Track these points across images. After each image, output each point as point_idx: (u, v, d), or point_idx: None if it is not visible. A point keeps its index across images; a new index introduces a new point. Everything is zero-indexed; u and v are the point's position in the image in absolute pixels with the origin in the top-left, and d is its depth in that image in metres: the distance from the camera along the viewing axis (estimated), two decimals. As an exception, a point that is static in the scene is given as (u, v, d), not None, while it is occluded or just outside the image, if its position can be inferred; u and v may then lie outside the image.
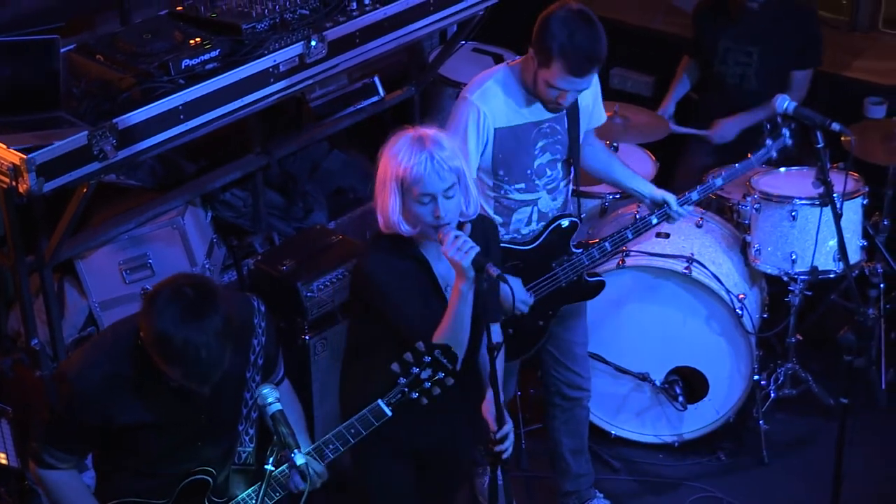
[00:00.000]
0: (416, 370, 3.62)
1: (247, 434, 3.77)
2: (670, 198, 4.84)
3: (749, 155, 5.00)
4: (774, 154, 5.05)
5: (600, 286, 4.92)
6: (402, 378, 3.64)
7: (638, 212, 5.52)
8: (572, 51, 4.33)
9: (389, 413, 3.67)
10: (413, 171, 3.73)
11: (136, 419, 3.56)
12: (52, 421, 3.64)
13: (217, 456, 3.76)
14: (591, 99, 4.74)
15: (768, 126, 5.03)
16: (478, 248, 3.70)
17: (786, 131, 5.00)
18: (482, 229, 3.97)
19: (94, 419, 3.54)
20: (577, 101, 4.63)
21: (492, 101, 4.52)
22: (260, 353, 3.72)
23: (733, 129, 6.05)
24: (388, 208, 3.79)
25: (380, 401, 3.67)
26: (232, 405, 3.71)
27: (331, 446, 3.73)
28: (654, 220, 4.86)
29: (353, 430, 3.71)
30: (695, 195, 4.91)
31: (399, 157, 3.76)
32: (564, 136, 4.66)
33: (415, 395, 3.64)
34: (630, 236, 4.86)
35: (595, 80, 4.64)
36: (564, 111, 4.61)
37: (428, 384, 3.63)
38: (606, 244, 4.81)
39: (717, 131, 6.05)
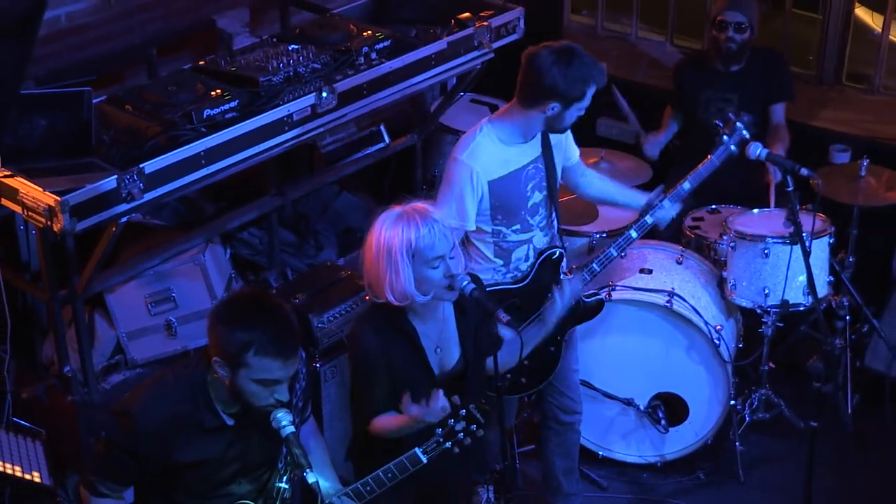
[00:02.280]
0: (451, 422, 3.63)
1: (283, 471, 3.75)
2: (654, 196, 4.85)
3: (709, 156, 4.95)
4: (734, 148, 4.89)
5: (600, 305, 4.91)
6: (438, 429, 3.65)
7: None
8: (595, 73, 4.41)
9: (425, 461, 3.68)
10: (425, 239, 3.73)
11: (191, 457, 3.55)
12: (109, 454, 3.61)
13: (255, 490, 3.75)
14: (561, 136, 4.73)
15: (721, 123, 4.97)
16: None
17: (740, 125, 4.90)
18: (475, 281, 3.98)
19: (153, 454, 3.52)
20: (548, 138, 4.65)
21: (481, 157, 4.51)
22: (301, 397, 3.73)
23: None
24: (402, 281, 3.75)
25: (417, 449, 3.68)
26: (273, 443, 3.68)
27: (368, 487, 3.73)
28: (634, 234, 4.83)
29: (390, 475, 3.72)
30: (666, 203, 4.85)
31: (405, 232, 3.74)
32: (545, 172, 4.67)
33: (448, 445, 3.66)
34: (615, 254, 4.81)
35: None
36: (540, 151, 4.62)
37: (461, 435, 3.65)
38: (594, 265, 4.77)
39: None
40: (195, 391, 3.53)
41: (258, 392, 3.46)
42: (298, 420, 3.68)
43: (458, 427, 3.63)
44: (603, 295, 5.30)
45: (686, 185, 4.88)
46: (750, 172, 5.88)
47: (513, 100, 4.56)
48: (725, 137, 4.89)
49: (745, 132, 4.88)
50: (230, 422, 3.58)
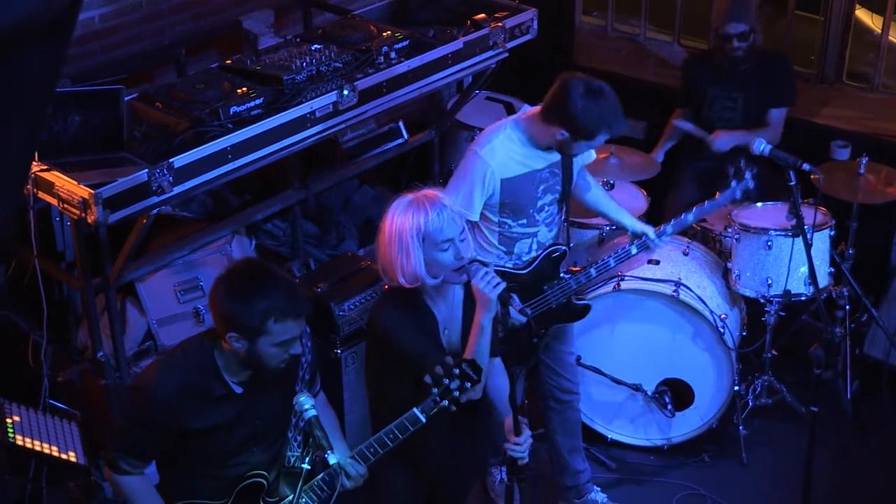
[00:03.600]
0: (446, 381, 3.64)
1: (295, 440, 3.76)
2: (648, 230, 4.87)
3: (717, 195, 5.01)
4: (738, 195, 5.07)
5: (587, 309, 4.91)
6: (434, 388, 3.65)
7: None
8: (613, 123, 4.39)
9: (424, 420, 3.68)
10: (434, 223, 3.72)
11: (203, 424, 3.56)
12: (127, 430, 3.63)
13: (268, 460, 3.76)
14: None
15: (732, 170, 5.04)
16: (504, 284, 3.70)
17: (748, 175, 5.03)
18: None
19: (168, 423, 3.54)
20: None
21: (499, 155, 4.52)
22: (307, 370, 3.74)
23: (729, 142, 5.97)
24: (413, 263, 3.75)
25: (415, 409, 3.68)
26: (282, 414, 3.71)
27: (372, 450, 3.73)
28: (634, 251, 4.88)
29: (391, 436, 3.72)
30: (669, 228, 4.92)
31: (414, 216, 3.74)
32: (561, 177, 4.67)
33: (445, 403, 3.66)
34: (612, 263, 4.85)
35: None
36: (559, 158, 4.61)
37: (457, 393, 3.65)
38: (591, 270, 4.81)
39: (716, 139, 5.96)
40: (203, 362, 3.56)
41: (276, 353, 3.50)
42: (306, 391, 3.70)
43: (454, 385, 3.64)
44: (610, 285, 5.30)
45: (689, 218, 4.97)
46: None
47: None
48: (734, 183, 4.99)
49: (750, 184, 4.98)
50: (238, 390, 3.60)
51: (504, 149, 4.53)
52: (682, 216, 4.97)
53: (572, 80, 4.41)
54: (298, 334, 3.52)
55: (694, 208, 4.98)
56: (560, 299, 4.78)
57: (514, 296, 3.76)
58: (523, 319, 4.58)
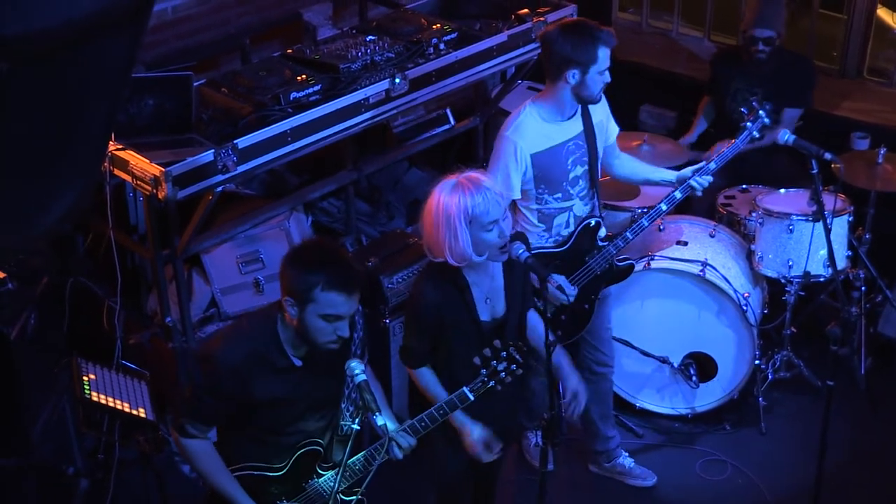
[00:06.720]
0: (494, 363, 3.63)
1: (347, 410, 3.76)
2: (688, 171, 4.73)
3: (734, 140, 4.88)
4: (756, 133, 4.83)
5: (630, 268, 4.86)
6: (483, 370, 3.65)
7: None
8: (601, 34, 4.35)
9: (472, 398, 3.68)
10: (481, 207, 3.69)
11: (265, 395, 3.54)
12: (196, 398, 3.62)
13: (321, 428, 3.75)
14: (603, 115, 4.67)
15: (745, 111, 4.90)
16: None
17: (762, 112, 4.83)
18: (524, 239, 3.97)
19: (234, 391, 3.52)
20: (590, 118, 4.59)
21: (525, 133, 4.47)
22: (358, 344, 3.73)
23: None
24: (461, 244, 3.71)
25: (465, 388, 3.67)
26: (336, 386, 3.70)
27: (422, 423, 3.72)
28: (664, 207, 4.76)
29: (441, 411, 3.72)
30: (689, 172, 4.73)
31: (462, 200, 3.69)
32: (587, 148, 4.63)
33: (492, 384, 3.65)
34: (646, 224, 4.72)
35: (603, 100, 4.60)
36: (581, 129, 4.57)
37: (503, 374, 3.64)
38: (628, 233, 4.72)
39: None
40: (267, 334, 3.53)
41: (323, 328, 3.45)
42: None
43: (501, 367, 3.62)
44: (641, 264, 5.28)
45: (712, 165, 4.77)
46: (776, 157, 5.82)
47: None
48: (749, 124, 4.82)
49: (766, 119, 4.83)
50: (298, 363, 3.58)
51: (528, 126, 4.48)
52: (704, 165, 4.73)
53: (549, 32, 4.41)
54: (345, 313, 3.45)
55: (716, 156, 4.78)
56: (603, 265, 4.74)
57: (552, 276, 3.74)
58: (571, 299, 4.56)
